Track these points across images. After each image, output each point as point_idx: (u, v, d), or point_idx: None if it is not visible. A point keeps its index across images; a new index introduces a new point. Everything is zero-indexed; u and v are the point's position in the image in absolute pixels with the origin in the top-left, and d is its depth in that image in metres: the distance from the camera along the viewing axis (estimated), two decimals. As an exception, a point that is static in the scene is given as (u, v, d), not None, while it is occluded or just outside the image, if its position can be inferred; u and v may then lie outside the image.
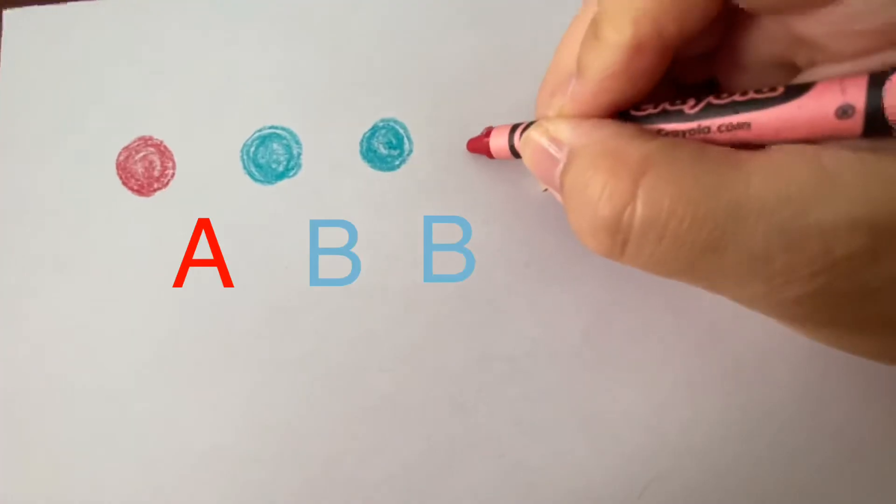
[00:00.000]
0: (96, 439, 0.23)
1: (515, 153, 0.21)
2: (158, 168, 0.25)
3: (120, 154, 0.25)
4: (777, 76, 0.17)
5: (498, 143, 0.21)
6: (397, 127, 0.24)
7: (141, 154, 0.25)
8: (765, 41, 0.16)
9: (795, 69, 0.16)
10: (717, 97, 0.16)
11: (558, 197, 0.18)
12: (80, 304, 0.24)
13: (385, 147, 0.24)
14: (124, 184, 0.25)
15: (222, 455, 0.23)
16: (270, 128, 0.25)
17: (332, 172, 0.24)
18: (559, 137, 0.17)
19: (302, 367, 0.23)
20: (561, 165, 0.17)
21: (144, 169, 0.25)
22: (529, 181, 0.24)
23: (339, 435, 0.23)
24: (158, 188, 0.24)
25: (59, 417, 0.23)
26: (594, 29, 0.16)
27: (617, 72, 0.16)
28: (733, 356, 0.22)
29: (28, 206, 0.24)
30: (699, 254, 0.15)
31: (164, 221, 0.24)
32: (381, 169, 0.24)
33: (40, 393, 0.23)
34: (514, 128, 0.21)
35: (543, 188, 0.23)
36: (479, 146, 0.23)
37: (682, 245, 0.15)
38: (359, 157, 0.24)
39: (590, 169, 0.16)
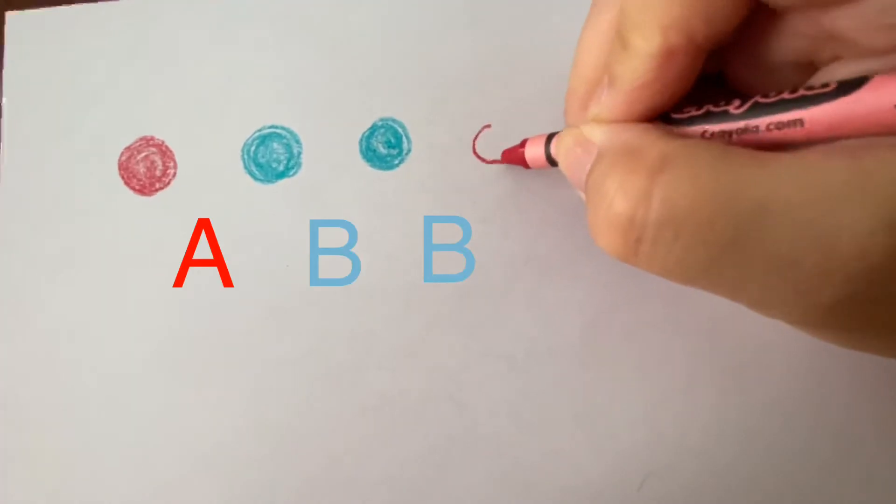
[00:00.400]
0: (97, 438, 0.23)
1: (552, 161, 0.20)
2: (160, 168, 0.25)
3: (122, 154, 0.25)
4: (791, 74, 0.17)
5: (534, 152, 0.21)
6: (396, 126, 0.24)
7: (143, 154, 0.25)
8: (788, 37, 0.16)
9: (811, 67, 0.16)
10: (765, 96, 0.15)
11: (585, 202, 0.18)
12: (82, 303, 0.24)
13: (384, 146, 0.24)
14: (126, 184, 0.25)
15: (223, 454, 0.23)
16: (271, 127, 0.25)
17: (332, 172, 0.24)
18: (591, 140, 0.17)
19: (302, 366, 0.23)
20: (588, 167, 0.17)
21: (146, 169, 0.25)
22: (528, 180, 0.24)
23: (338, 434, 0.23)
24: (160, 188, 0.25)
25: (60, 416, 0.23)
26: (621, 38, 0.16)
27: (649, 80, 0.16)
28: (732, 353, 0.22)
29: (31, 206, 0.25)
30: (720, 253, 0.14)
31: (166, 221, 0.24)
32: (380, 168, 0.24)
33: (41, 392, 0.24)
34: (549, 137, 0.21)
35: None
36: (514, 156, 0.23)
37: (701, 244, 0.14)
38: (358, 157, 0.24)
39: (608, 167, 0.15)
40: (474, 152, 0.24)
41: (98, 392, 0.24)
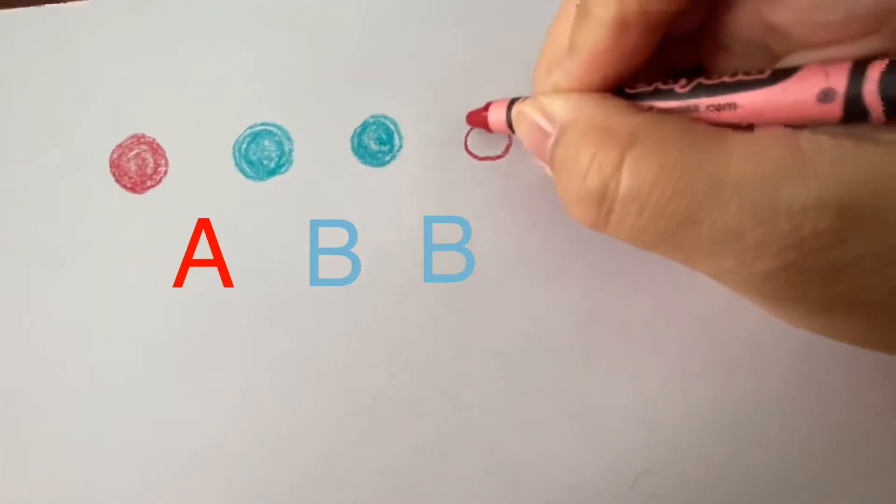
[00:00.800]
0: (93, 438, 0.23)
1: (512, 127, 0.21)
2: (151, 166, 0.25)
3: (113, 152, 0.25)
4: (760, 59, 0.17)
5: (496, 116, 0.22)
6: (387, 123, 0.24)
7: (134, 152, 0.25)
8: (743, 27, 0.17)
9: (776, 55, 0.17)
10: (708, 78, 0.16)
11: (548, 170, 0.19)
12: (75, 302, 0.24)
13: (375, 143, 0.24)
14: (117, 181, 0.25)
15: (220, 451, 0.23)
16: (262, 124, 0.25)
17: (324, 169, 0.24)
18: (551, 111, 0.18)
19: (297, 364, 0.23)
20: (553, 139, 0.18)
21: (137, 167, 0.25)
22: (519, 176, 0.24)
23: (334, 431, 0.23)
24: (151, 186, 0.25)
25: (55, 417, 0.23)
26: (582, 8, 0.17)
27: (606, 48, 0.16)
28: (726, 349, 0.22)
29: (22, 206, 0.25)
30: (677, 226, 0.15)
31: (158, 219, 0.24)
32: (371, 165, 0.24)
33: (36, 392, 0.24)
34: (512, 102, 0.21)
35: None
36: (477, 119, 0.23)
37: (662, 216, 0.15)
38: (350, 153, 0.24)
39: (579, 141, 0.16)
40: (466, 148, 0.24)
41: (91, 391, 0.23)
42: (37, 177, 0.25)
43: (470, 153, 0.24)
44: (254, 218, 0.24)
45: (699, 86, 0.16)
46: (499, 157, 0.24)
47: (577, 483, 0.22)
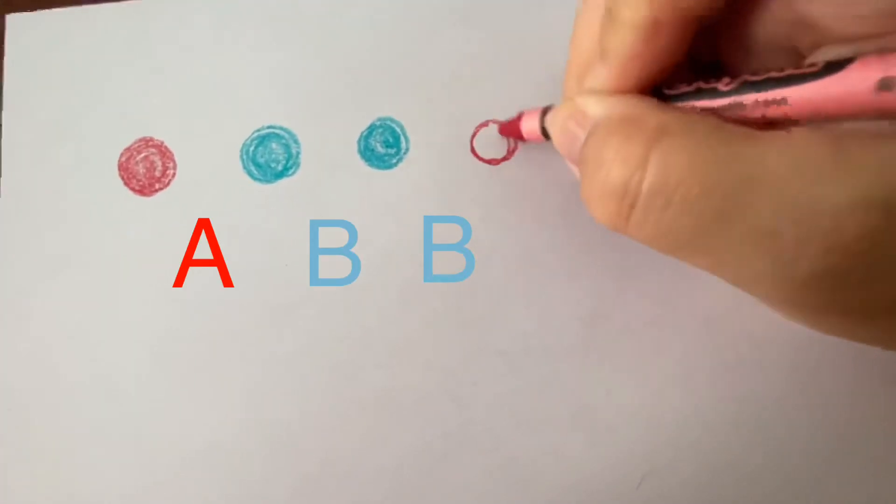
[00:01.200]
0: (97, 438, 0.23)
1: (546, 134, 0.21)
2: (159, 168, 0.25)
3: (121, 155, 0.25)
4: (781, 60, 0.17)
5: (529, 125, 0.22)
6: (394, 126, 0.24)
7: (142, 155, 0.25)
8: (770, 22, 0.16)
9: (799, 54, 0.16)
10: (754, 74, 0.15)
11: (577, 173, 0.18)
12: (83, 303, 0.24)
13: (382, 146, 0.24)
14: (126, 184, 0.25)
15: (222, 452, 0.23)
16: (269, 127, 0.25)
17: (331, 171, 0.24)
18: (585, 111, 0.17)
19: (300, 365, 0.23)
20: (583, 138, 0.17)
21: (146, 169, 0.25)
22: (525, 177, 0.24)
23: (336, 431, 0.23)
24: (160, 188, 0.25)
25: (60, 416, 0.24)
26: (610, 12, 0.16)
27: (639, 52, 0.16)
28: (730, 348, 0.22)
29: (31, 208, 0.25)
30: (705, 224, 0.14)
31: (166, 221, 0.24)
32: (378, 167, 0.24)
33: (41, 391, 0.24)
34: (545, 110, 0.21)
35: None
36: (511, 130, 0.23)
37: (690, 213, 0.14)
38: (357, 156, 0.24)
39: (606, 135, 0.16)
40: (472, 150, 0.24)
41: (99, 391, 0.24)
42: (46, 180, 0.25)
43: (476, 155, 0.24)
44: (261, 220, 0.24)
45: (745, 83, 0.15)
46: (504, 158, 0.24)
47: (581, 483, 0.22)
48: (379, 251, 0.24)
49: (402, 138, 0.24)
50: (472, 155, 0.24)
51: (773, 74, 0.15)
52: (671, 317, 0.23)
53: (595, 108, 0.17)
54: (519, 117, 0.22)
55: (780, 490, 0.22)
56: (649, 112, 0.16)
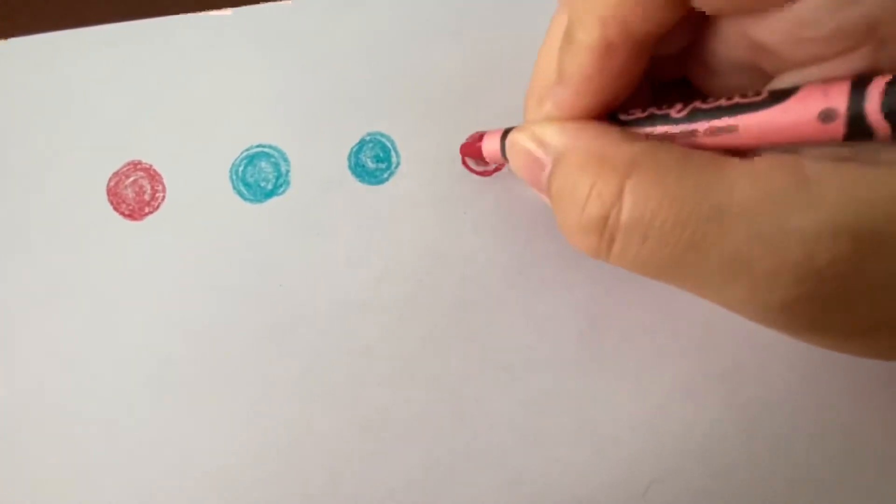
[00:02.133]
0: (96, 466, 0.23)
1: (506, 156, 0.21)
2: (149, 192, 0.25)
3: (110, 180, 0.25)
4: (747, 79, 0.17)
5: (491, 146, 0.21)
6: (384, 140, 0.24)
7: (131, 179, 0.25)
8: (728, 45, 0.16)
9: (766, 74, 0.16)
10: (704, 101, 0.16)
11: (545, 199, 0.18)
12: (76, 331, 0.24)
13: (373, 161, 0.24)
14: (115, 209, 0.25)
15: (224, 476, 0.23)
16: (258, 146, 0.25)
17: (322, 188, 0.24)
18: (545, 140, 0.18)
19: (300, 385, 0.23)
20: (548, 169, 0.17)
21: (135, 193, 0.25)
22: (518, 189, 0.24)
23: (340, 451, 0.23)
24: (150, 212, 0.25)
25: (56, 447, 0.23)
26: (567, 34, 0.17)
27: (593, 73, 0.16)
28: (730, 355, 0.22)
29: (20, 235, 0.25)
30: (681, 254, 0.15)
31: (157, 245, 0.24)
32: (369, 183, 0.24)
33: (37, 420, 0.23)
34: (506, 132, 0.21)
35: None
36: (471, 150, 0.23)
37: (666, 245, 0.15)
38: (347, 172, 0.24)
39: (578, 171, 0.16)
40: (464, 163, 0.24)
41: (95, 418, 0.23)
42: (34, 206, 0.25)
43: (468, 167, 0.24)
44: (253, 240, 0.24)
45: (695, 110, 0.16)
46: (496, 170, 0.24)
47: (588, 494, 0.22)
48: (374, 267, 0.24)
49: (393, 153, 0.24)
50: (463, 167, 0.24)
51: (723, 103, 0.15)
52: (670, 324, 0.23)
53: (556, 137, 0.17)
54: (480, 137, 0.22)
55: (785, 494, 0.22)
56: (617, 145, 0.16)
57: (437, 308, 0.23)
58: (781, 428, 0.22)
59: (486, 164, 0.23)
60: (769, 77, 0.16)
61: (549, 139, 0.17)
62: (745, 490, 0.22)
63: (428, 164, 0.24)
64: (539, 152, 0.18)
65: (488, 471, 0.22)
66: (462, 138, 0.24)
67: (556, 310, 0.23)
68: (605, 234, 0.16)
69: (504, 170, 0.24)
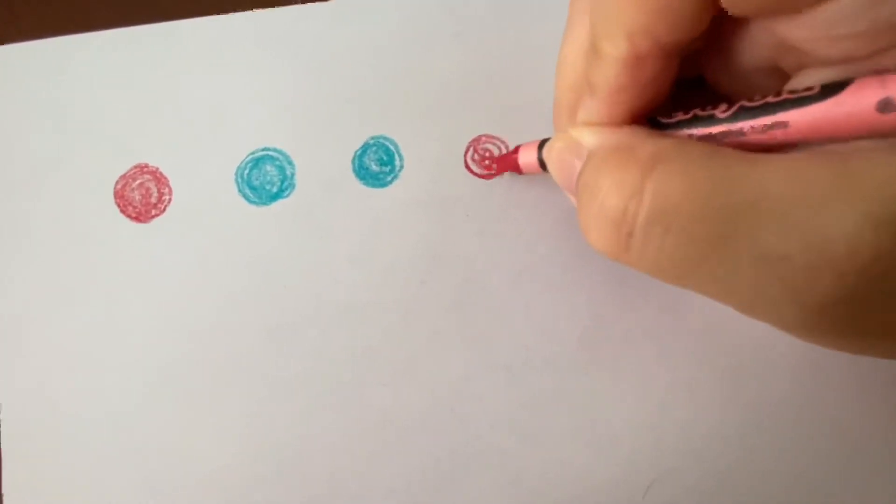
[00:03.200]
0: (101, 467, 0.23)
1: (544, 166, 0.21)
2: (155, 195, 0.25)
3: (117, 182, 0.25)
4: (763, 80, 0.17)
5: (527, 157, 0.22)
6: (388, 143, 0.25)
7: (137, 181, 0.25)
8: (753, 45, 0.16)
9: (784, 74, 0.16)
10: (750, 100, 0.15)
11: (575, 203, 0.18)
12: (83, 332, 0.24)
13: (377, 164, 0.24)
14: (122, 212, 0.25)
15: (226, 476, 0.23)
16: (263, 150, 0.25)
17: (326, 191, 0.24)
18: (581, 142, 0.17)
19: (302, 386, 0.23)
20: (579, 168, 0.17)
21: (141, 196, 0.25)
22: (519, 192, 0.24)
23: (341, 452, 0.23)
24: (156, 214, 0.25)
25: (63, 446, 0.23)
26: (594, 48, 0.16)
27: (624, 85, 0.16)
28: (731, 355, 0.22)
29: (28, 237, 0.25)
30: (708, 251, 0.14)
31: (164, 247, 0.24)
32: (373, 186, 0.24)
33: (43, 421, 0.24)
34: (542, 143, 0.21)
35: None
36: (507, 163, 0.23)
37: (690, 239, 0.14)
38: (352, 175, 0.24)
39: (601, 164, 0.16)
40: (466, 166, 0.24)
41: (101, 420, 0.24)
42: (42, 209, 0.25)
43: (470, 170, 0.24)
44: (258, 242, 0.24)
45: (742, 109, 0.15)
46: (498, 173, 0.24)
47: (588, 494, 0.22)
48: (377, 269, 0.24)
49: (397, 156, 0.24)
50: (466, 170, 0.24)
51: (770, 99, 0.15)
52: (671, 325, 0.23)
53: (590, 138, 0.17)
54: (516, 151, 0.22)
55: (786, 495, 0.22)
56: (643, 139, 0.16)
57: (440, 309, 0.23)
58: (781, 428, 0.22)
59: (521, 174, 0.23)
60: (786, 75, 0.16)
61: (584, 140, 0.17)
62: (745, 490, 0.22)
63: (431, 167, 0.24)
64: (574, 155, 0.17)
65: (489, 471, 0.23)
66: (464, 141, 0.24)
67: (557, 311, 0.23)
68: (623, 226, 0.15)
69: (506, 173, 0.24)
